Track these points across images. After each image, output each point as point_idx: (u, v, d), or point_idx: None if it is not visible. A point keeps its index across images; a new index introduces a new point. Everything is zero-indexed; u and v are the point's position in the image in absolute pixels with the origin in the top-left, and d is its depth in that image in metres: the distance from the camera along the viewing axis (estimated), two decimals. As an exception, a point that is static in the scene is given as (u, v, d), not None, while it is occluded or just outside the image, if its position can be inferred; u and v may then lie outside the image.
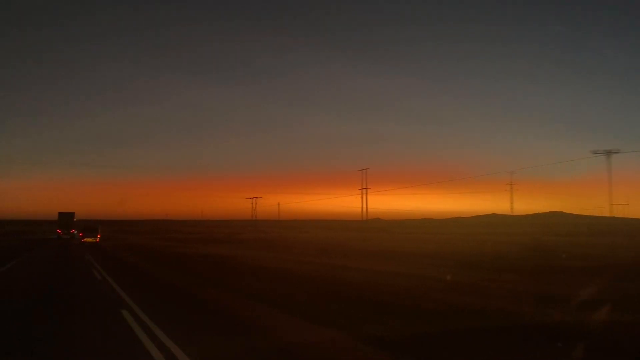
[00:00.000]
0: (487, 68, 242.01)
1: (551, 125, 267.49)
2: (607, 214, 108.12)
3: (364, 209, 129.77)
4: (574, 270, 18.79)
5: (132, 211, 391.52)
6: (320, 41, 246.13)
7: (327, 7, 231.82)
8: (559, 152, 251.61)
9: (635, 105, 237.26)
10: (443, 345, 7.23)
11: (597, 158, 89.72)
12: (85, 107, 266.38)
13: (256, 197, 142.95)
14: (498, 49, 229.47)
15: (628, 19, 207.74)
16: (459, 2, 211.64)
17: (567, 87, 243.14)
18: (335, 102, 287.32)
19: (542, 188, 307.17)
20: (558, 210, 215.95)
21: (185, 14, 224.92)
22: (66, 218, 66.94)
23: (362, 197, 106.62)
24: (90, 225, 59.19)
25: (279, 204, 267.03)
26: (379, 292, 12.96)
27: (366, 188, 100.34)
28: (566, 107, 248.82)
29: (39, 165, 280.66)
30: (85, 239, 53.15)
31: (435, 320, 9.11)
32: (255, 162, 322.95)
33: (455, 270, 18.78)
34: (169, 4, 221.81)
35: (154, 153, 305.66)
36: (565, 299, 11.08)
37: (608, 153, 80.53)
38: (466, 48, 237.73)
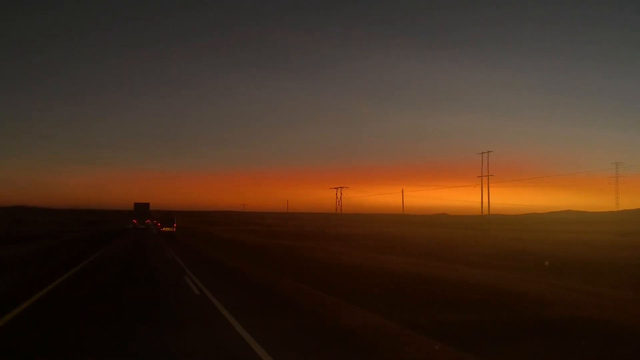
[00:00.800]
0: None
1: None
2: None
3: (484, 202, 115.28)
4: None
5: (208, 202, 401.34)
6: (403, 37, 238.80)
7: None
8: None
9: None
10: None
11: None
12: (163, 104, 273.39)
13: (341, 187, 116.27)
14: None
15: None
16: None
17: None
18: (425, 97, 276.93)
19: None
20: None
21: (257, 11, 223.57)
22: (142, 208, 67.25)
23: (481, 188, 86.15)
24: (167, 216, 62.01)
25: (401, 191, 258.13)
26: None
27: (488, 175, 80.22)
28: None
29: (118, 158, 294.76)
30: (163, 229, 56.66)
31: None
32: (339, 155, 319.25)
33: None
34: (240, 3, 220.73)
35: (228, 148, 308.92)
36: None
37: None
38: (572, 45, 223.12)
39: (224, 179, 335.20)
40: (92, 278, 14.86)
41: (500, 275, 16.07)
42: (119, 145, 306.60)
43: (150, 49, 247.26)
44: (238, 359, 6.25)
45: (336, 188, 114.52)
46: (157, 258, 22.49)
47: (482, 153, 79.56)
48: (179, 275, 15.31)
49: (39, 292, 11.10)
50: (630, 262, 22.97)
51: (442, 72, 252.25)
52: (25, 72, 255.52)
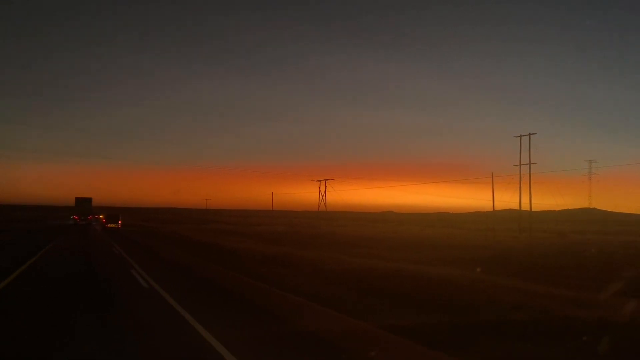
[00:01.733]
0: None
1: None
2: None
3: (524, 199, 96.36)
4: None
5: (169, 200, 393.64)
6: (363, 37, 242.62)
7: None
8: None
9: None
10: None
11: None
12: (103, 99, 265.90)
13: (326, 179, 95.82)
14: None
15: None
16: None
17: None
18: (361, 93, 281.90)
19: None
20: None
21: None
22: (84, 204, 64.44)
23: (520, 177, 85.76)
24: (112, 213, 62.07)
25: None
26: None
27: (530, 164, 58.77)
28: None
29: (57, 153, 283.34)
30: (108, 225, 58.24)
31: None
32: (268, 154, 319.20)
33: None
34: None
35: (165, 144, 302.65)
36: None
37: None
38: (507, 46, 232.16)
39: (186, 175, 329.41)
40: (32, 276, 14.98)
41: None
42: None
43: (101, 41, 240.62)
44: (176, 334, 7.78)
45: (319, 180, 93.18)
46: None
47: (521, 136, 59.11)
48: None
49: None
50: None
51: (401, 72, 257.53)
52: None
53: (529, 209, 60.13)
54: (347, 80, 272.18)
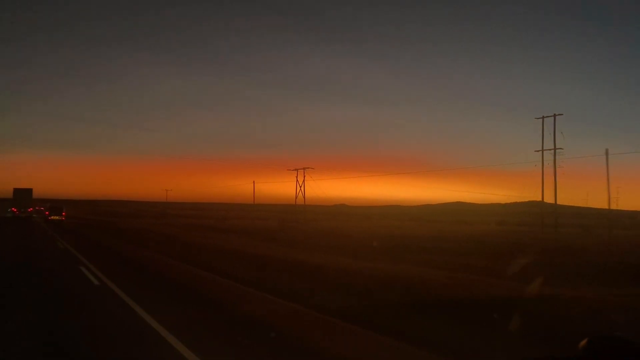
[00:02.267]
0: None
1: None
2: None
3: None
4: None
5: (124, 192, 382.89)
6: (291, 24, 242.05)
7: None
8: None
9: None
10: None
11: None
12: (48, 85, 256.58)
13: (305, 168, 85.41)
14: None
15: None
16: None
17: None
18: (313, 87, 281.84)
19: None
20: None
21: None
22: (23, 195, 60.65)
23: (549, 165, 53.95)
24: (56, 205, 60.95)
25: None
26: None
27: (555, 149, 52.03)
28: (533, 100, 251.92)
29: None
30: (51, 217, 57.36)
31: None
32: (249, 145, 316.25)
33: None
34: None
35: (119, 132, 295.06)
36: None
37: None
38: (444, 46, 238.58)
39: (143, 165, 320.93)
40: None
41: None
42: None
43: (45, 29, 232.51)
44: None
45: (297, 170, 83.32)
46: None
47: (543, 117, 52.04)
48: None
49: None
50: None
51: (345, 65, 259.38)
52: None
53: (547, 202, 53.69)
54: (306, 75, 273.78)
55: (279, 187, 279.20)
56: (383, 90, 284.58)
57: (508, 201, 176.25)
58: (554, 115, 51.16)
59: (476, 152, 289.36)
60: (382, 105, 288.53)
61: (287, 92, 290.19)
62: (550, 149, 51.55)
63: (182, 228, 48.10)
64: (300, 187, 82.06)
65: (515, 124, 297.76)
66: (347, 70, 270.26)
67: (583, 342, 1.69)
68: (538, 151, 52.52)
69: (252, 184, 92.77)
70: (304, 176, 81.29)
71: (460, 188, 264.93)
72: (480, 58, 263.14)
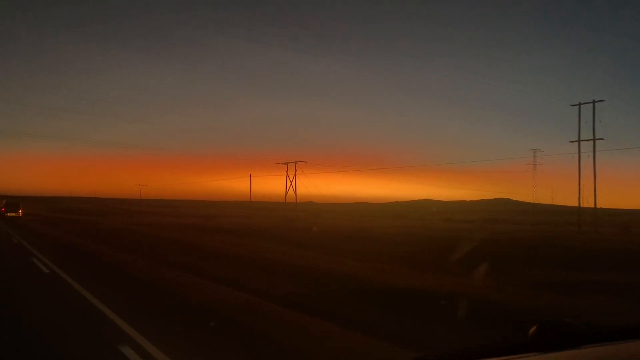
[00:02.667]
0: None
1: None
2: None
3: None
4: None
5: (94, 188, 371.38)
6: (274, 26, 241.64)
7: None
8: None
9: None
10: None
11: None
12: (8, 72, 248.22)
13: (297, 161, 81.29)
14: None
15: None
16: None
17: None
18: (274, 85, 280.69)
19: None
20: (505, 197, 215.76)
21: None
22: None
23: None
24: (12, 202, 61.15)
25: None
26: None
27: (594, 140, 47.45)
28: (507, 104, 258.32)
29: None
30: (8, 214, 57.27)
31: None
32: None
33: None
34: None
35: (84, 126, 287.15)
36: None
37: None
38: (405, 43, 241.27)
39: (114, 161, 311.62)
40: None
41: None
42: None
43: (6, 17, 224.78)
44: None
45: (287, 163, 79.41)
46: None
47: (579, 104, 48.19)
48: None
49: None
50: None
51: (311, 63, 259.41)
52: None
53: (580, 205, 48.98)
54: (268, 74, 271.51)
55: (231, 183, 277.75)
56: (353, 89, 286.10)
57: (474, 198, 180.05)
58: (593, 102, 47.33)
59: (447, 150, 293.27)
60: (351, 104, 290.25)
61: (254, 90, 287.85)
62: (589, 139, 47.23)
63: (181, 229, 38.51)
64: (291, 182, 78.89)
65: (483, 123, 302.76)
66: (315, 68, 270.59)
67: (533, 328, 1.74)
68: (574, 142, 48.15)
69: (247, 180, 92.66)
70: (295, 171, 78.57)
71: (430, 184, 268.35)
72: (448, 58, 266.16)
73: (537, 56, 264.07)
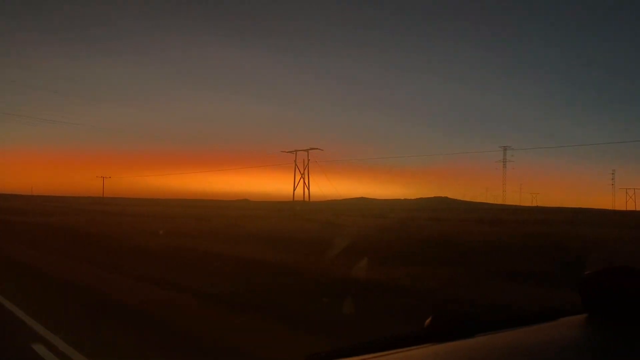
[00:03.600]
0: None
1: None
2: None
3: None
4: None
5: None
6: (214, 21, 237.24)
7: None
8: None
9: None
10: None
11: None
12: None
13: (311, 149, 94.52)
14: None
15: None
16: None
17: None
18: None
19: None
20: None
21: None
22: None
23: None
24: None
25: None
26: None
27: None
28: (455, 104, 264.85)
29: None
30: None
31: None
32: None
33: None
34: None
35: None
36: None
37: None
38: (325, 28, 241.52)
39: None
40: None
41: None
42: None
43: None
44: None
45: (293, 152, 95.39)
46: None
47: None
48: None
49: None
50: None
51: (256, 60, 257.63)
52: None
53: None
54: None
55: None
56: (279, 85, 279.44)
57: (414, 197, 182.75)
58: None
59: (382, 148, 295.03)
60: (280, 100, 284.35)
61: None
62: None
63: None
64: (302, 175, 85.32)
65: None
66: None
67: (428, 320, 1.73)
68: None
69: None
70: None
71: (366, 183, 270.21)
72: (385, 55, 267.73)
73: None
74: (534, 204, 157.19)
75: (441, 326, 1.73)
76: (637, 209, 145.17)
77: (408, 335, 1.69)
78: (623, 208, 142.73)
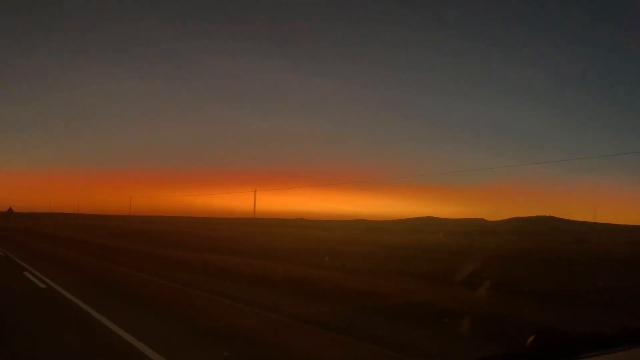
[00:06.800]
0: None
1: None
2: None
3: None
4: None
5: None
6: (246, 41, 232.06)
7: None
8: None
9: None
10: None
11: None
12: None
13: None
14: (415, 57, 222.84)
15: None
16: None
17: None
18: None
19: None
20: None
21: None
22: None
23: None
24: None
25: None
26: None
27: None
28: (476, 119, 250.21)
29: None
30: None
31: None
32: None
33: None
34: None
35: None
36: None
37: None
38: (384, 54, 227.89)
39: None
40: None
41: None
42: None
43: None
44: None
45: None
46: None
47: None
48: None
49: None
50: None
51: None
52: None
53: None
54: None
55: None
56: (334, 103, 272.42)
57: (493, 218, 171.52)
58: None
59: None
60: (336, 118, 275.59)
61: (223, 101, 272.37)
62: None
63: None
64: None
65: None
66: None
67: (530, 338, 1.73)
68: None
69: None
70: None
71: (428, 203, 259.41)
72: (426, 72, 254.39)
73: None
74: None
75: (543, 345, 1.73)
76: None
77: (511, 353, 1.73)
78: None
